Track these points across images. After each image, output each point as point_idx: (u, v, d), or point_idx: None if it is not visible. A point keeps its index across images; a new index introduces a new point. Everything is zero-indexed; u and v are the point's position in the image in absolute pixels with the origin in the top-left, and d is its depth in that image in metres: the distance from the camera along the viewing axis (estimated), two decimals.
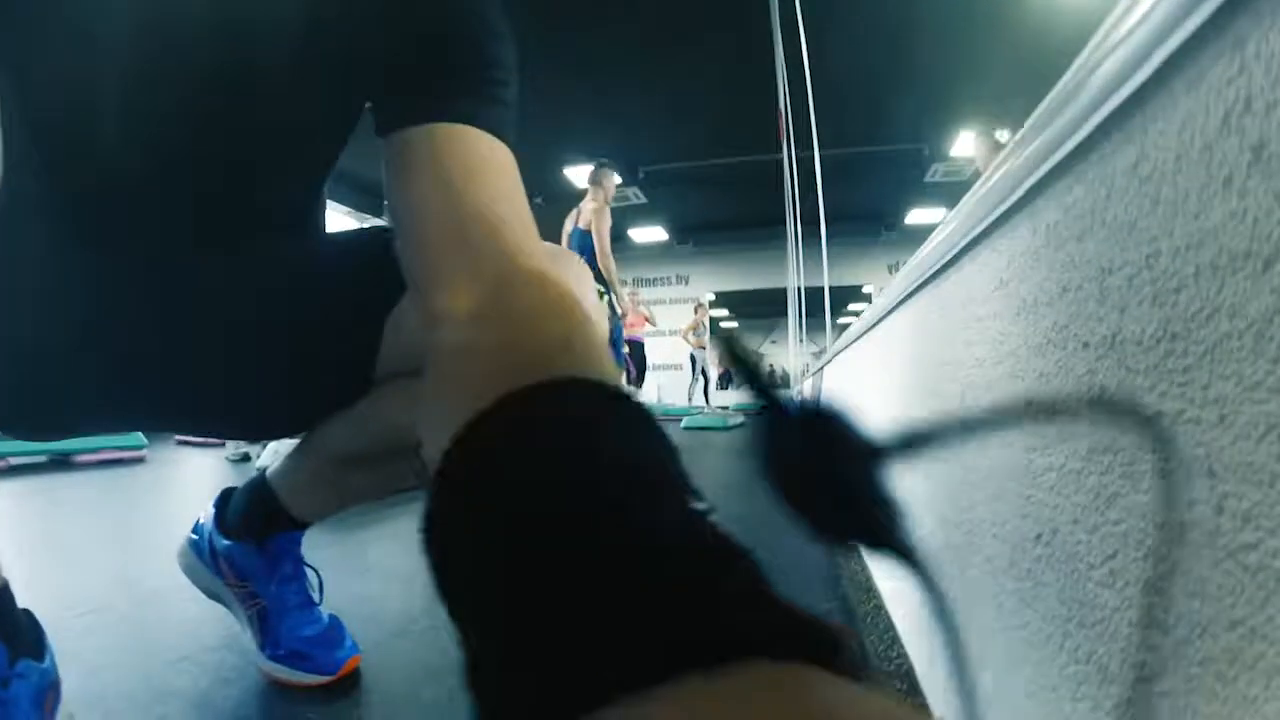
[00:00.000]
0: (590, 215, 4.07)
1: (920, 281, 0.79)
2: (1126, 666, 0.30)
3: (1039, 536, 0.40)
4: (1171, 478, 0.29)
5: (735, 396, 11.09)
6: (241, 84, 0.51)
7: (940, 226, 0.69)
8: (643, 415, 0.25)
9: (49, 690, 0.57)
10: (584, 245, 4.07)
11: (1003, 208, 0.51)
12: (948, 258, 0.66)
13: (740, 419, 6.44)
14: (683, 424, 5.75)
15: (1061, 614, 0.36)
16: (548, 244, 0.66)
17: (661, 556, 0.17)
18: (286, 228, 0.64)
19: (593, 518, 0.18)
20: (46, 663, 0.58)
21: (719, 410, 7.10)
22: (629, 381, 7.58)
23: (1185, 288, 0.30)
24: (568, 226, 4.23)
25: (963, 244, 0.61)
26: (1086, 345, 0.38)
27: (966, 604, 0.55)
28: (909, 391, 0.85)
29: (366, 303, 0.62)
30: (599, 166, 4.17)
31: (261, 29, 0.50)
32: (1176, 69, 0.30)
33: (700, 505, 0.21)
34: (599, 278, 4.09)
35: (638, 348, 7.68)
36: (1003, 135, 3.59)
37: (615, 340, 4.50)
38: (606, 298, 4.09)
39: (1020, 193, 0.48)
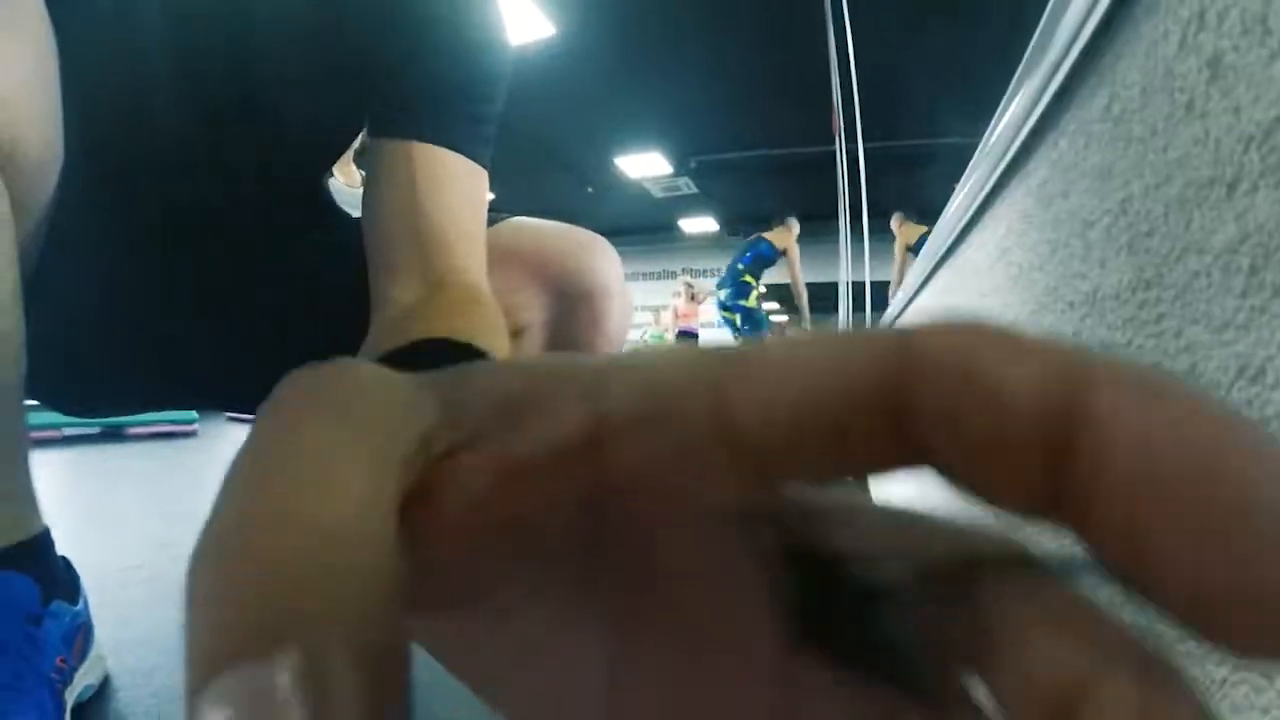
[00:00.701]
0: (781, 237, 5.08)
1: (935, 262, 0.76)
2: None
3: None
4: None
5: None
6: (258, 94, 0.55)
7: (949, 203, 0.67)
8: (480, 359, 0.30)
9: (79, 632, 0.60)
10: (761, 252, 5.04)
11: (998, 172, 0.48)
12: (956, 233, 0.64)
13: None
14: None
15: None
16: (578, 231, 0.65)
17: None
18: (303, 214, 0.68)
19: None
20: (79, 606, 0.61)
21: None
22: None
23: (1156, 230, 0.27)
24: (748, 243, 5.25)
25: (967, 217, 0.59)
26: (1072, 305, 0.35)
27: None
28: None
29: None
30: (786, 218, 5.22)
31: (271, 41, 0.53)
32: None
33: None
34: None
35: (690, 339, 7.68)
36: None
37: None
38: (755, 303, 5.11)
39: (1012, 152, 0.45)
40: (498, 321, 0.40)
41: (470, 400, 0.11)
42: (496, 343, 0.36)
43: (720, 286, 5.24)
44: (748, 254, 5.07)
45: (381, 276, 0.45)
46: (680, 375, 0.10)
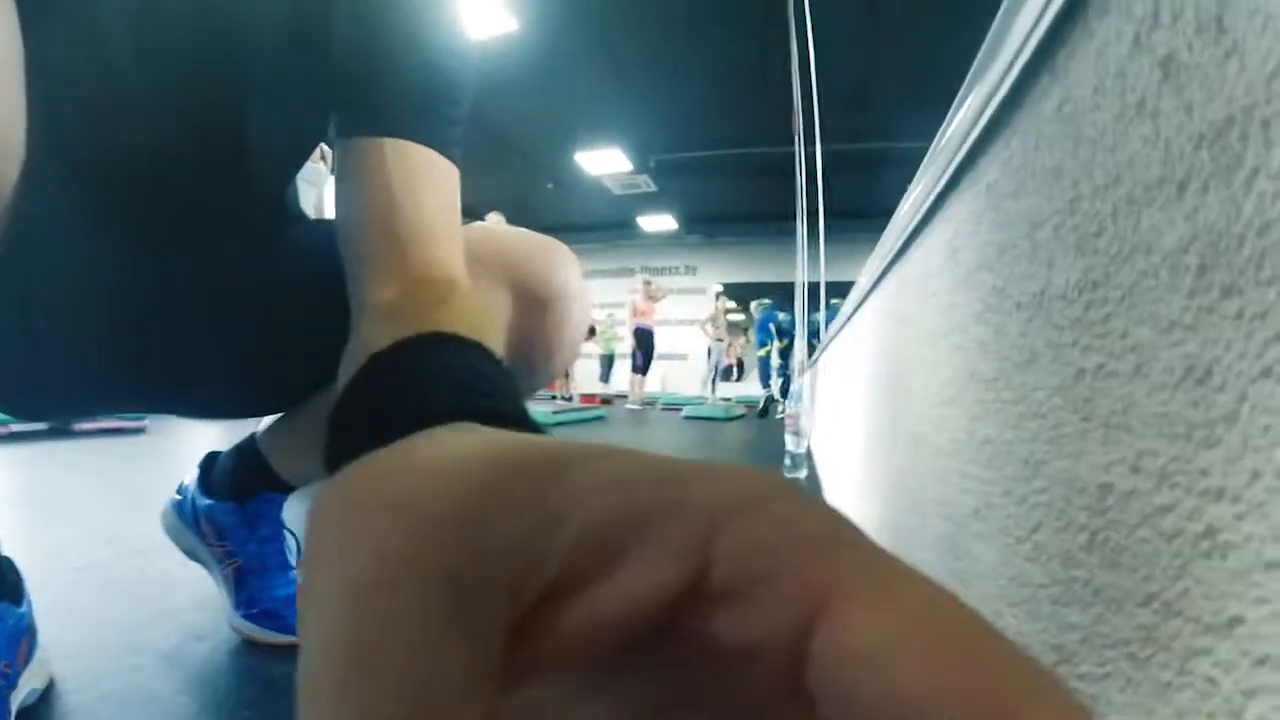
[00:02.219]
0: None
1: (887, 263, 0.76)
2: (1047, 648, 0.27)
3: (976, 512, 0.37)
4: (1091, 438, 0.26)
5: (738, 389, 10.83)
6: (229, 91, 0.55)
7: (902, 200, 0.67)
8: (478, 352, 0.32)
9: (24, 635, 0.59)
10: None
11: (949, 171, 0.48)
12: (908, 232, 0.64)
13: (741, 411, 6.42)
14: (683, 413, 5.74)
15: (994, 592, 0.33)
16: (540, 236, 0.67)
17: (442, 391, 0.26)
18: (273, 214, 0.67)
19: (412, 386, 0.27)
20: (23, 609, 0.60)
21: (721, 401, 7.02)
22: (634, 369, 7.71)
23: (1105, 230, 0.27)
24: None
25: (918, 218, 0.59)
26: (1019, 305, 0.35)
27: None
28: (877, 378, 0.82)
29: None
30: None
31: (245, 42, 0.53)
32: None
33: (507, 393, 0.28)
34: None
35: (645, 335, 7.73)
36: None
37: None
38: None
39: (963, 153, 0.45)
40: (483, 311, 0.39)
41: (556, 527, 0.10)
42: (486, 334, 0.35)
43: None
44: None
45: (358, 277, 0.43)
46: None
